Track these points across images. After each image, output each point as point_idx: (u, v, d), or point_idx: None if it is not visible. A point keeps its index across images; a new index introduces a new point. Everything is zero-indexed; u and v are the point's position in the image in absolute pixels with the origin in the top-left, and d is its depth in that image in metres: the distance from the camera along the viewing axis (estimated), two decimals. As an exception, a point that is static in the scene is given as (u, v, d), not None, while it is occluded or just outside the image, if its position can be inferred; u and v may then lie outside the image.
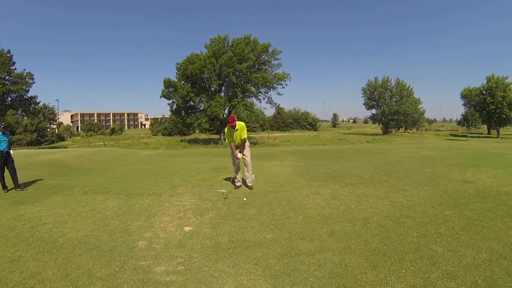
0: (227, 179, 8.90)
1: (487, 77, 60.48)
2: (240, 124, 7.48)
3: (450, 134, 62.24)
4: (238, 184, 7.83)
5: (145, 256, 4.14)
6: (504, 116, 56.18)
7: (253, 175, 7.91)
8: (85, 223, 5.44)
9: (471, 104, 62.58)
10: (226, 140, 7.79)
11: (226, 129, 7.59)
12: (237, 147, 7.59)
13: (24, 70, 36.59)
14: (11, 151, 8.81)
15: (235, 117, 7.38)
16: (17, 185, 8.36)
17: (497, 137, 53.62)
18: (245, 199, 6.70)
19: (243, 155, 7.59)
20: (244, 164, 7.74)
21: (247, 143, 7.80)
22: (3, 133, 8.42)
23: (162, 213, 5.94)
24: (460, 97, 68.39)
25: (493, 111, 56.69)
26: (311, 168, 10.86)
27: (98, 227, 5.25)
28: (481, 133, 64.53)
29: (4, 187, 8.28)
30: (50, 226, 5.36)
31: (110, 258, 4.09)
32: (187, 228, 5.08)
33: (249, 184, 7.74)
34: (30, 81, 37.12)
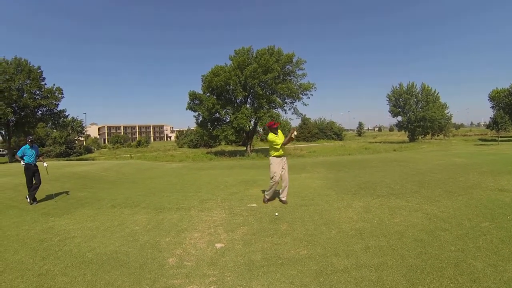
0: (259, 192, 8.88)
1: None
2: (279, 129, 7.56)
3: (479, 139, 59.71)
4: (267, 197, 7.73)
5: (176, 274, 4.10)
6: None
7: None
8: (113, 238, 5.50)
9: (500, 106, 60.71)
10: (275, 145, 7.34)
11: (270, 136, 7.43)
12: (281, 155, 7.47)
13: (54, 85, 38.34)
14: (45, 163, 9.13)
15: (274, 121, 7.35)
16: (32, 198, 8.53)
17: None
18: (276, 213, 6.60)
19: (282, 168, 7.42)
20: (282, 180, 7.50)
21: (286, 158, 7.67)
22: (31, 147, 8.75)
23: (192, 228, 5.92)
24: (488, 99, 66.92)
25: None
26: (341, 180, 10.69)
27: (127, 242, 5.28)
28: None
29: (34, 199, 8.53)
30: (79, 240, 5.46)
31: (140, 275, 4.07)
32: (218, 245, 5.03)
33: (283, 198, 7.56)
34: (60, 95, 38.78)
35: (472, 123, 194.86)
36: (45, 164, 9.30)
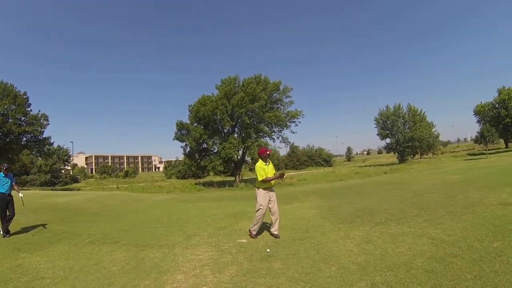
0: (248, 226, 8.26)
1: (498, 89, 59.95)
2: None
3: (467, 154, 60.39)
4: (254, 233, 7.07)
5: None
6: None
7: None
8: (87, 281, 4.86)
9: (486, 120, 61.60)
10: (259, 176, 6.90)
11: (258, 164, 6.93)
12: (270, 189, 6.99)
13: (39, 111, 37.85)
14: (20, 194, 8.62)
15: (265, 148, 6.89)
16: (5, 231, 7.97)
17: None
18: (268, 250, 5.96)
19: (269, 202, 6.91)
20: (270, 211, 6.95)
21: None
22: (5, 175, 8.20)
23: (175, 269, 5.26)
24: (474, 114, 67.92)
25: (509, 124, 55.75)
26: (335, 208, 10.16)
27: (101, 286, 4.66)
28: (499, 148, 62.73)
29: (7, 232, 7.95)
30: (48, 281, 4.86)
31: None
32: (203, 290, 4.39)
33: (274, 232, 6.93)
34: (45, 122, 38.29)
35: (458, 139, 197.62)
36: (20, 194, 8.71)
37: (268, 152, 6.96)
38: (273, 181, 6.99)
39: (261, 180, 6.86)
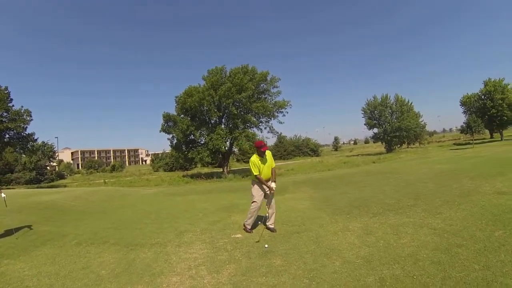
0: (242, 220, 7.92)
1: (484, 81, 60.74)
2: (268, 153, 6.59)
3: (454, 144, 61.84)
4: (248, 227, 6.73)
5: None
6: (506, 118, 56.43)
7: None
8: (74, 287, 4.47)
9: (472, 111, 62.59)
10: (253, 172, 6.55)
11: (253, 158, 6.48)
12: (266, 180, 6.59)
13: (22, 107, 36.60)
14: (3, 194, 8.07)
15: (264, 142, 6.43)
16: None
17: (501, 140, 53.27)
18: (266, 245, 5.60)
19: (267, 193, 6.59)
20: (267, 204, 6.61)
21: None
22: None
23: (169, 270, 4.87)
24: (460, 105, 68.84)
25: (494, 114, 56.79)
26: (329, 198, 9.95)
27: (90, 293, 4.26)
28: (484, 138, 64.23)
29: None
30: None
31: None
32: (203, 293, 4.06)
33: (271, 226, 6.59)
34: (28, 118, 36.93)
35: (444, 129, 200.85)
36: (3, 195, 8.14)
37: (264, 149, 6.45)
38: (268, 174, 6.64)
39: (256, 174, 6.51)
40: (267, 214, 6.66)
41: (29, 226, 8.67)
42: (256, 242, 5.75)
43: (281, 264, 4.74)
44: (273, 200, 6.65)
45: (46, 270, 5.24)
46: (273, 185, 6.49)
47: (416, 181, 10.98)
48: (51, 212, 11.06)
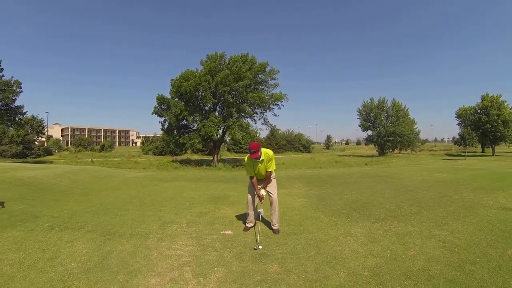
0: (232, 214, 7.41)
1: (481, 96, 61.78)
2: (267, 154, 5.86)
3: (445, 154, 62.84)
4: (249, 225, 6.15)
5: None
6: (499, 134, 57.61)
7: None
8: (37, 283, 3.79)
9: (467, 124, 63.16)
10: (246, 172, 6.09)
11: (246, 159, 5.93)
12: (259, 181, 6.05)
13: (12, 77, 35.06)
14: None
15: (259, 145, 5.71)
16: None
17: (493, 155, 54.71)
18: (260, 247, 5.00)
19: (268, 192, 6.02)
20: (270, 203, 6.07)
21: (273, 175, 6.17)
22: None
23: (148, 269, 4.22)
24: (455, 117, 69.34)
25: (489, 129, 57.78)
26: (326, 198, 9.43)
27: (53, 291, 3.64)
28: (475, 152, 65.53)
29: None
30: None
31: None
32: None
33: (274, 227, 5.97)
34: (18, 89, 35.44)
35: (436, 139, 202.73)
36: None
37: (251, 156, 5.66)
38: (263, 175, 6.06)
39: (250, 175, 6.00)
40: (260, 210, 6.16)
41: (2, 203, 8.00)
42: (254, 249, 5.03)
43: (278, 271, 4.15)
44: (274, 199, 6.07)
45: (10, 257, 4.59)
46: (262, 192, 5.93)
47: (415, 188, 10.63)
48: (28, 190, 10.42)
